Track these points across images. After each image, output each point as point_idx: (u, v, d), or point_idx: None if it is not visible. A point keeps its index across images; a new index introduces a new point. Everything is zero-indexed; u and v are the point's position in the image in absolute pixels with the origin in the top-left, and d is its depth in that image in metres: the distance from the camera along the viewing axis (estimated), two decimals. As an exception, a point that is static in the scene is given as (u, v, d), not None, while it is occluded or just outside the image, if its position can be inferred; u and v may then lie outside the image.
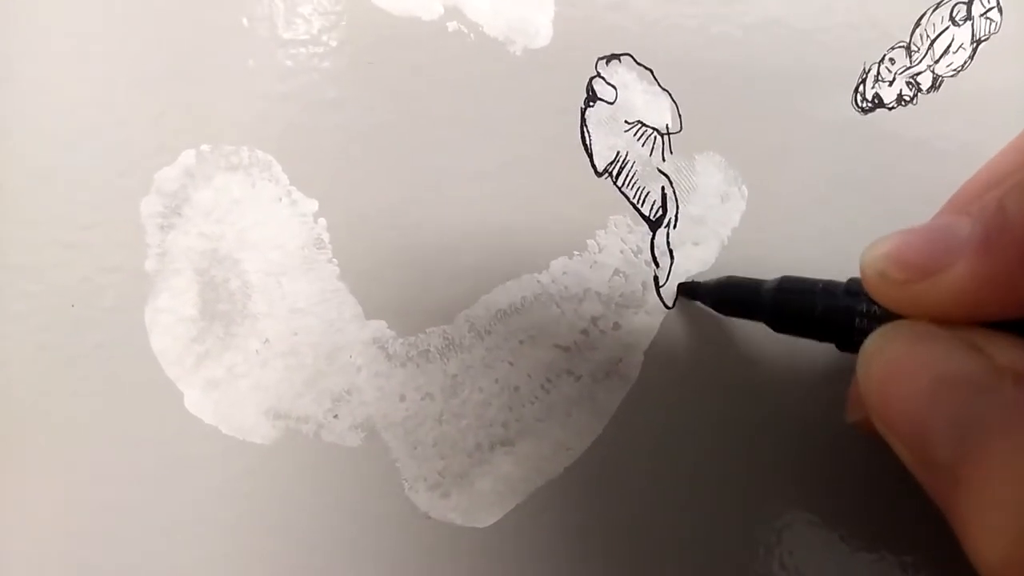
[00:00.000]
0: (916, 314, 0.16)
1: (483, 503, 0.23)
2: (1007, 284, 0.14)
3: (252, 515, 0.22)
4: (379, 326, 0.23)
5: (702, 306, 0.25)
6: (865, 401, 0.16)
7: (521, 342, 0.24)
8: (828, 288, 0.19)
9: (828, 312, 0.19)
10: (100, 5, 0.22)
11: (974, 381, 0.14)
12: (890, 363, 0.15)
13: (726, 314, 0.24)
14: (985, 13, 0.27)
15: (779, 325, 0.21)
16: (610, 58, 0.24)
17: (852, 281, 0.19)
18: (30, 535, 0.22)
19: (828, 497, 0.26)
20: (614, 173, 0.24)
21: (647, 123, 0.24)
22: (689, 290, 0.25)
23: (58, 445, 0.22)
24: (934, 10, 0.27)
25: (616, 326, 0.24)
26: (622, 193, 0.24)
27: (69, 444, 0.22)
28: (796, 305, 0.20)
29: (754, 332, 0.25)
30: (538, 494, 0.24)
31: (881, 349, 0.16)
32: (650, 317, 0.25)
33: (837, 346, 0.19)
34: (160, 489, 0.22)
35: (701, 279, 0.25)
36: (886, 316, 0.17)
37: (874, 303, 0.17)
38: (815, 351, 0.26)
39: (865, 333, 0.16)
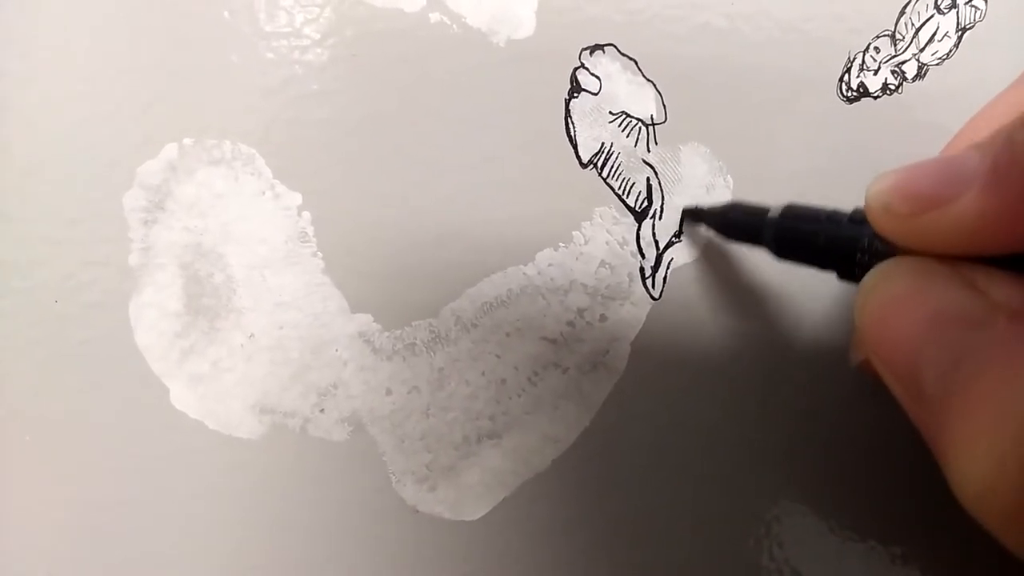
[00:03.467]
0: (919, 248, 0.15)
1: (471, 496, 0.23)
2: (1013, 217, 0.14)
3: (239, 510, 0.22)
4: (365, 320, 0.23)
5: (688, 299, 0.25)
6: (861, 336, 0.16)
7: (508, 334, 0.24)
8: (833, 217, 0.19)
9: (831, 240, 0.19)
10: (84, 1, 0.21)
11: (968, 316, 0.14)
12: (887, 298, 0.15)
13: (730, 238, 0.23)
14: (970, 1, 0.27)
15: (781, 251, 0.21)
16: (594, 48, 0.24)
17: (857, 211, 0.18)
18: (16, 531, 0.21)
19: (818, 488, 0.26)
20: (599, 164, 0.24)
21: (631, 114, 0.24)
22: (694, 214, 0.25)
23: (44, 441, 0.22)
24: (919, -2, 0.27)
25: (602, 318, 0.24)
26: (607, 184, 0.24)
27: (55, 440, 0.22)
28: (799, 231, 0.20)
29: (741, 321, 0.25)
30: (526, 487, 0.24)
31: (879, 285, 0.16)
32: (636, 308, 0.25)
33: (838, 275, 0.19)
34: (146, 485, 0.22)
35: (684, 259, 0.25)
36: (887, 252, 0.17)
37: (877, 235, 0.17)
38: (806, 342, 0.26)
39: (866, 268, 0.16)
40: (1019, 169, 0.13)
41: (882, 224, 0.16)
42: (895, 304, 0.15)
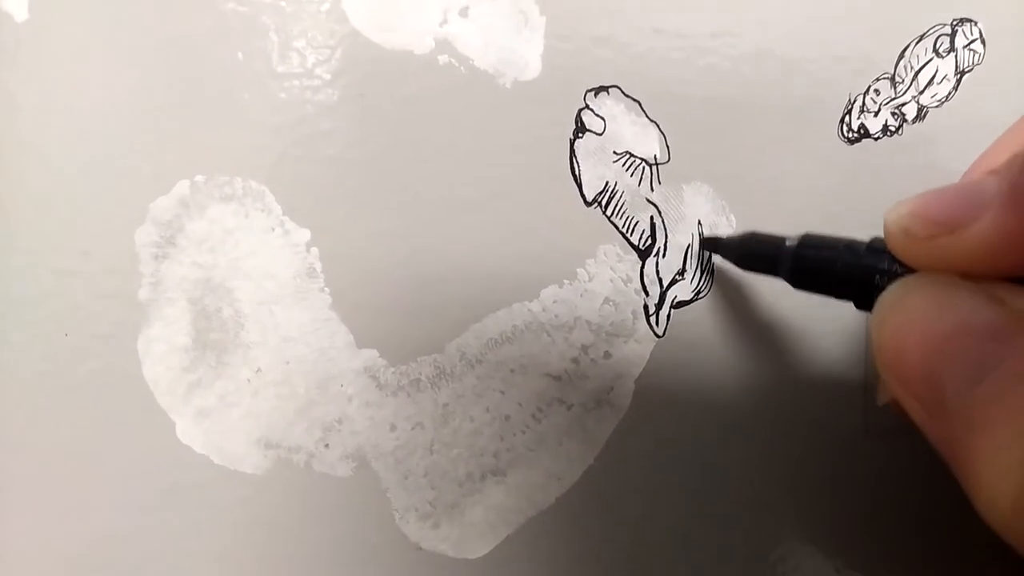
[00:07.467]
0: (939, 270, 0.15)
1: (474, 533, 0.23)
2: None
3: (242, 545, 0.22)
4: (370, 355, 0.23)
5: (692, 336, 0.25)
6: (877, 356, 0.15)
7: (512, 371, 0.24)
8: (850, 246, 0.19)
9: (848, 268, 0.19)
10: (99, 38, 0.22)
11: (991, 327, 0.13)
12: (906, 314, 0.15)
13: (747, 269, 0.24)
14: (968, 45, 0.28)
15: (799, 281, 0.21)
16: (598, 90, 0.24)
17: (875, 240, 0.18)
18: (21, 563, 0.21)
19: (824, 528, 0.26)
20: (603, 203, 0.24)
21: (635, 154, 0.25)
22: (712, 244, 0.25)
23: (50, 474, 0.22)
24: (918, 42, 0.27)
25: (607, 355, 0.24)
26: (611, 222, 0.25)
27: (61, 473, 0.22)
28: (817, 261, 0.20)
29: (746, 359, 0.25)
30: (529, 524, 0.24)
31: (899, 300, 0.15)
32: (640, 346, 0.25)
33: (856, 304, 0.19)
34: (151, 518, 0.22)
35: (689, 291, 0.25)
36: (906, 275, 0.16)
37: (896, 263, 0.17)
38: (811, 379, 0.26)
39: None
40: None
41: (901, 247, 0.16)
42: (914, 319, 0.15)
